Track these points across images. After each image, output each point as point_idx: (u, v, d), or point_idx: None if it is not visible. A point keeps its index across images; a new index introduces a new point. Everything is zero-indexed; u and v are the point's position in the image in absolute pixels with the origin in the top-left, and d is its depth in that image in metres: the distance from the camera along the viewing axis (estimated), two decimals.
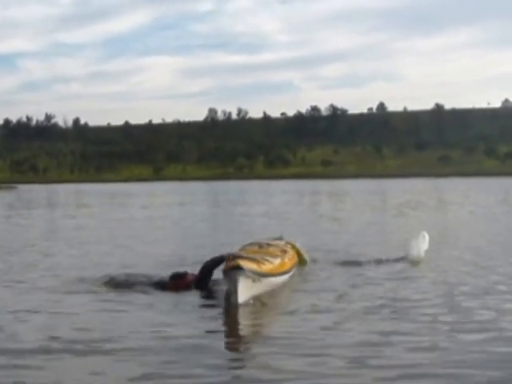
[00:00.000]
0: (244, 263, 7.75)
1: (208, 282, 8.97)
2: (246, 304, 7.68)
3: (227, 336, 6.80)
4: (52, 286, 9.18)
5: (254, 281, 7.83)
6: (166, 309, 7.81)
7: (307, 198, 42.44)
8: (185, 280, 9.00)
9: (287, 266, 9.30)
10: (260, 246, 9.91)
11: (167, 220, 23.35)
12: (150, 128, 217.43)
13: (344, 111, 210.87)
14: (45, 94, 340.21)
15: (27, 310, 7.71)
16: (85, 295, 8.56)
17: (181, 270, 9.95)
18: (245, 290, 7.64)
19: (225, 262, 8.40)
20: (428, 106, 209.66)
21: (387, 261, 11.13)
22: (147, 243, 15.07)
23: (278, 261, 9.03)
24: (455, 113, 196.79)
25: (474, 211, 25.30)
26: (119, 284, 9.20)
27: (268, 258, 8.73)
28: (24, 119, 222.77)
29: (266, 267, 8.31)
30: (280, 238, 11.12)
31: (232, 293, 7.61)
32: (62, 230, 20.17)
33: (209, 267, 9.00)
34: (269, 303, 8.04)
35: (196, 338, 6.40)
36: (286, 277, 9.16)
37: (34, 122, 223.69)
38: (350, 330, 6.49)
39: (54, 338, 6.34)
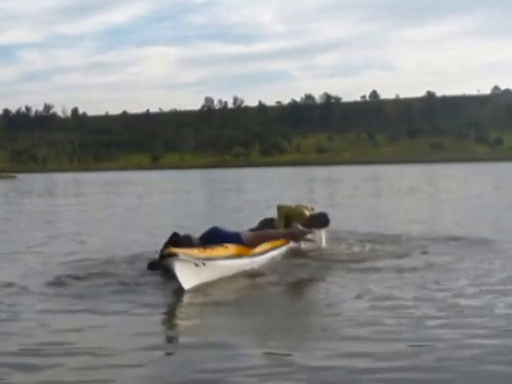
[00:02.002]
0: (179, 250, 7.53)
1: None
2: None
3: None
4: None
5: (196, 265, 7.55)
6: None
7: (304, 185, 41.58)
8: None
9: (259, 249, 8.95)
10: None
11: (161, 208, 22.95)
12: (147, 117, 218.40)
13: (338, 99, 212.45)
14: (44, 84, 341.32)
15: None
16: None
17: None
18: (186, 276, 7.37)
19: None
20: (420, 93, 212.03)
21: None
22: (135, 231, 14.49)
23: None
24: (446, 100, 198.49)
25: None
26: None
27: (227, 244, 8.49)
28: (23, 109, 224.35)
29: (213, 251, 8.03)
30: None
31: (176, 279, 7.35)
32: (52, 218, 19.35)
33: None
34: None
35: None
36: (257, 259, 8.87)
37: (33, 112, 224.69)
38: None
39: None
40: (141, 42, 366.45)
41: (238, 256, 8.47)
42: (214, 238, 8.57)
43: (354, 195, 27.38)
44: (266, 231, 9.61)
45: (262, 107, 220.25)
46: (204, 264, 7.65)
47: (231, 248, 8.45)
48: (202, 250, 7.90)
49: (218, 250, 8.13)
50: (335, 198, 26.12)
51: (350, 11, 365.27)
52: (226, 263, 8.11)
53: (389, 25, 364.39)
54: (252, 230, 9.76)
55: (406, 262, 9.08)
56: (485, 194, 26.41)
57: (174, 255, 7.36)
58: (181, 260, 7.35)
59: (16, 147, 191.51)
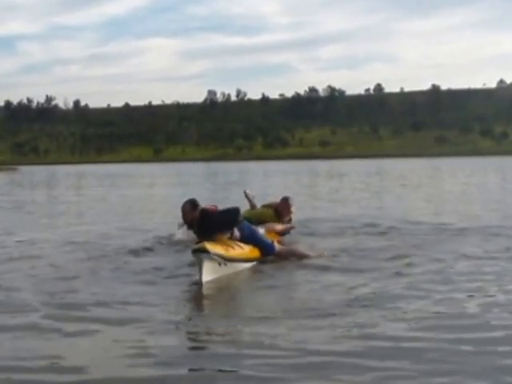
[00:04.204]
0: (211, 246, 7.70)
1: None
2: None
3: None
4: None
5: (219, 264, 7.79)
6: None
7: (310, 179, 41.33)
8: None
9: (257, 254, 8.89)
10: None
11: (160, 200, 23.02)
12: (149, 110, 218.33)
13: (341, 92, 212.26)
14: (45, 76, 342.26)
15: None
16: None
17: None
18: (209, 273, 7.58)
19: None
20: (424, 86, 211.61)
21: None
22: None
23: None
24: (451, 93, 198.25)
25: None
26: None
27: (242, 245, 8.61)
28: (25, 101, 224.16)
29: (235, 252, 8.22)
30: None
31: (198, 273, 7.53)
32: (48, 210, 19.29)
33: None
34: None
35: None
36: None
37: (34, 104, 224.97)
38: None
39: None
40: (142, 33, 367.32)
41: (253, 259, 8.67)
42: (252, 238, 8.74)
43: (362, 189, 27.22)
44: (294, 249, 9.40)
45: (264, 100, 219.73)
46: (226, 264, 7.92)
47: (249, 251, 8.65)
48: (225, 248, 8.08)
49: (239, 252, 8.36)
50: (344, 191, 25.77)
51: (353, 3, 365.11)
52: (241, 266, 8.36)
53: (393, 17, 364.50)
54: None
55: (418, 255, 8.84)
56: (496, 186, 26.55)
57: (206, 252, 7.57)
58: (210, 258, 7.61)
59: (17, 139, 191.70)
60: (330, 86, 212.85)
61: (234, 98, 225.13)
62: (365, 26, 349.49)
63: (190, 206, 8.53)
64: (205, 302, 6.87)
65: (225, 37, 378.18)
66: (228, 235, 8.40)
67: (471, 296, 6.37)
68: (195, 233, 8.67)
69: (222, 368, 4.58)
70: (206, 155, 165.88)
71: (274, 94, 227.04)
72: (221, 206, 9.00)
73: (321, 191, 26.33)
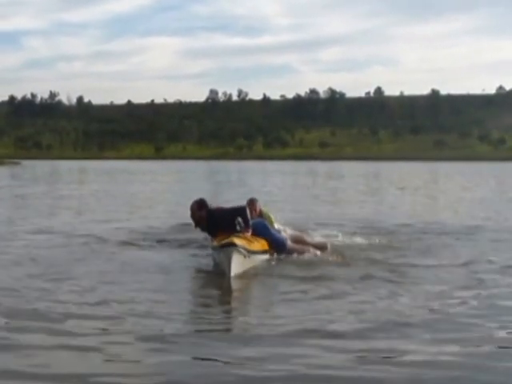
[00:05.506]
0: (237, 240, 8.11)
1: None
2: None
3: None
4: None
5: (244, 257, 8.11)
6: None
7: (309, 179, 41.82)
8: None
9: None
10: None
11: (157, 197, 23.59)
12: (152, 107, 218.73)
13: (342, 94, 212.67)
14: (49, 72, 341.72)
15: None
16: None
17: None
18: (237, 266, 7.84)
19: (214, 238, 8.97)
20: (424, 91, 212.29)
21: None
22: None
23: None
24: (450, 98, 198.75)
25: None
26: None
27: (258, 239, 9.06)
28: (29, 96, 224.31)
29: (254, 245, 8.68)
30: None
31: (226, 268, 7.83)
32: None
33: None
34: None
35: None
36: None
37: (38, 100, 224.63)
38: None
39: None
40: (145, 31, 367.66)
41: (266, 252, 9.07)
42: (264, 232, 9.24)
43: (362, 190, 27.93)
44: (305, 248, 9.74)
45: (266, 100, 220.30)
46: (249, 257, 8.33)
47: (264, 244, 9.07)
48: (247, 242, 8.49)
49: (256, 245, 8.78)
50: (345, 193, 26.36)
51: (354, 6, 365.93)
52: (258, 257, 8.72)
53: (393, 21, 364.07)
54: None
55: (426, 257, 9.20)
56: (493, 191, 27.22)
57: (234, 245, 7.97)
58: (238, 252, 7.98)
59: (20, 134, 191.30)
60: (330, 88, 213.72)
61: (235, 97, 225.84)
62: (365, 30, 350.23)
63: (197, 206, 9.07)
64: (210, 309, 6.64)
65: (227, 37, 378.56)
66: (249, 233, 8.83)
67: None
68: (203, 231, 9.22)
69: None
70: (206, 154, 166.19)
71: (274, 95, 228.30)
72: (222, 205, 9.56)
73: (321, 192, 26.49)
